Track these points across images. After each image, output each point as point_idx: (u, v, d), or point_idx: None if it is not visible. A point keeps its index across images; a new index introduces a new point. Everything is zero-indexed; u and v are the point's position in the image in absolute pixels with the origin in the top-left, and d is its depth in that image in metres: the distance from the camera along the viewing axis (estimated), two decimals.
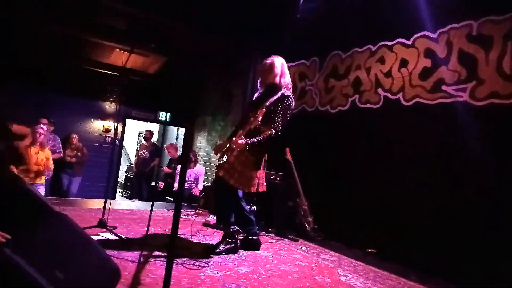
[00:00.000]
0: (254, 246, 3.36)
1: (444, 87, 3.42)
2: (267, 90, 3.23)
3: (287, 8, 5.20)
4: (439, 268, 3.08)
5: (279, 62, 3.23)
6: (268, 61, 3.25)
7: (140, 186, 7.86)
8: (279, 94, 3.12)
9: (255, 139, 2.97)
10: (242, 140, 2.94)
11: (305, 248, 3.66)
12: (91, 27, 5.95)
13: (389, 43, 3.99)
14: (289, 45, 5.32)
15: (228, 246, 3.11)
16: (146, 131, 8.05)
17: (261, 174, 3.26)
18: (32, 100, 6.76)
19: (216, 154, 3.43)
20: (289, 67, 5.36)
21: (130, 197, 8.95)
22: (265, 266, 2.86)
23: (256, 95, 3.41)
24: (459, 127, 3.25)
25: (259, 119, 2.91)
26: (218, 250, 3.05)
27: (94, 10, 5.52)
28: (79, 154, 6.55)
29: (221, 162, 3.16)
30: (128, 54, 4.06)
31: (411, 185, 3.57)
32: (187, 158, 1.30)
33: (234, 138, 2.99)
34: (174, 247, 1.28)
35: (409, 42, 3.78)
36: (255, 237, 3.39)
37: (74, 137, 6.60)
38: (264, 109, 2.96)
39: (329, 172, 4.40)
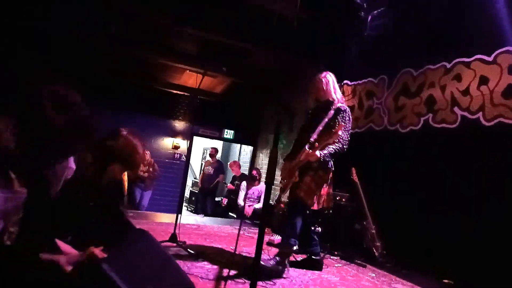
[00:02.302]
0: (317, 266, 3.31)
1: None
2: (321, 107, 3.27)
3: (354, 25, 5.15)
4: None
5: (330, 78, 3.28)
6: (321, 77, 3.29)
7: (205, 201, 8.11)
8: (335, 108, 3.16)
9: (327, 152, 3.00)
10: (318, 153, 2.97)
11: (374, 274, 3.50)
12: (164, 51, 6.37)
13: (466, 59, 3.76)
14: (356, 62, 5.26)
15: (278, 266, 2.98)
16: (212, 148, 8.33)
17: (328, 190, 3.29)
18: (108, 119, 7.33)
19: (282, 175, 3.41)
20: (355, 85, 5.36)
21: (194, 211, 9.26)
22: None
23: (310, 112, 3.45)
24: None
25: (340, 133, 2.89)
26: (270, 264, 2.95)
27: (167, 35, 5.92)
28: (150, 169, 6.94)
29: (290, 181, 3.17)
30: (197, 76, 4.27)
31: (494, 213, 3.27)
32: (273, 179, 1.32)
33: (311, 151, 3.00)
34: (257, 270, 1.29)
35: (490, 59, 3.53)
36: (318, 257, 3.34)
37: (146, 153, 7.02)
38: (342, 123, 2.97)
39: (399, 194, 4.18)
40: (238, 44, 5.57)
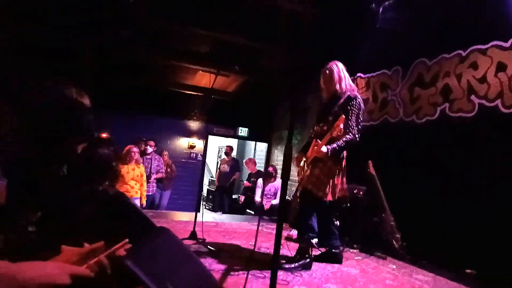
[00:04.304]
0: (337, 259, 3.32)
1: None
2: (331, 99, 3.26)
3: (366, 18, 5.10)
4: None
5: (336, 68, 3.22)
6: (326, 68, 3.26)
7: (222, 199, 8.18)
8: (345, 97, 3.14)
9: (335, 145, 3.00)
10: (324, 148, 2.96)
11: (395, 266, 3.49)
12: (178, 53, 6.44)
13: (482, 46, 3.69)
14: (369, 55, 5.21)
15: (302, 261, 3.03)
16: (227, 146, 8.39)
17: (342, 180, 3.26)
18: (126, 121, 7.47)
19: (297, 167, 3.45)
20: (369, 78, 5.31)
21: (212, 209, 9.35)
22: (353, 284, 2.78)
23: (324, 104, 3.42)
24: None
25: (341, 126, 2.87)
26: (293, 266, 2.95)
27: (179, 36, 5.98)
28: (169, 169, 7.05)
29: (305, 175, 3.20)
30: (210, 75, 4.32)
31: None
32: (288, 175, 1.36)
33: (316, 147, 3.01)
34: (277, 264, 1.32)
35: (507, 45, 3.45)
36: (337, 250, 3.35)
37: (165, 154, 7.13)
38: (343, 116, 2.93)
39: (416, 185, 4.14)
40: (249, 43, 5.59)
